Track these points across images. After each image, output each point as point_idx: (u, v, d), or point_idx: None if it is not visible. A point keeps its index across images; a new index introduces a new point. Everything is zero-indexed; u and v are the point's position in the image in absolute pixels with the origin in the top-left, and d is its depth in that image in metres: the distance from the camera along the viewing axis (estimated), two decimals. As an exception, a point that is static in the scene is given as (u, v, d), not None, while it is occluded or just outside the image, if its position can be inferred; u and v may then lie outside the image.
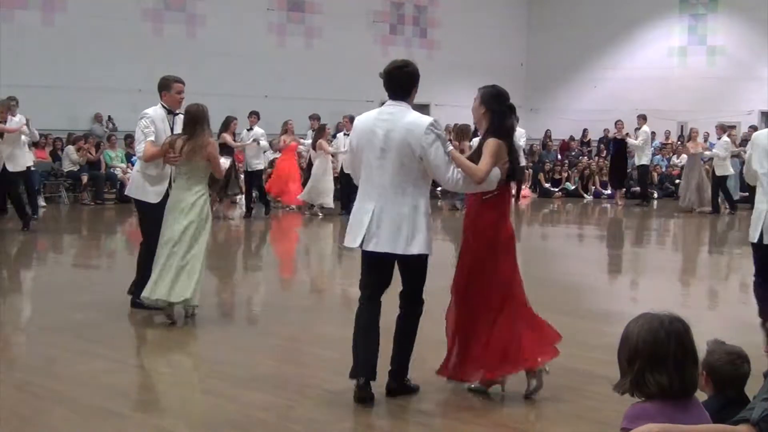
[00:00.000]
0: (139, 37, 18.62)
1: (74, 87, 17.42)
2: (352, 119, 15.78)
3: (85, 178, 16.88)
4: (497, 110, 4.91)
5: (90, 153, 17.06)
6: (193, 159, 6.57)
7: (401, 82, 4.79)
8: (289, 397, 4.93)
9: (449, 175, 4.67)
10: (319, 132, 15.63)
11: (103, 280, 9.34)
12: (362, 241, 4.68)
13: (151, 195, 6.96)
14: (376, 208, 4.68)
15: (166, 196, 6.89)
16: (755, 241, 5.82)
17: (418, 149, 4.61)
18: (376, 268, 4.79)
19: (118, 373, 5.37)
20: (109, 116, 18.72)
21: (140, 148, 6.90)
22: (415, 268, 4.78)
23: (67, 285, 9.04)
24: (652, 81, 23.51)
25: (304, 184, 15.80)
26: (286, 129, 16.07)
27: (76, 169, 16.90)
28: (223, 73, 18.89)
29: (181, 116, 7.05)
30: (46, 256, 10.88)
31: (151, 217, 7.00)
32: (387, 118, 4.72)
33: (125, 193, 7.50)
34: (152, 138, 6.81)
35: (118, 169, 17.37)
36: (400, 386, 4.87)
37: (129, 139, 18.13)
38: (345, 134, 15.94)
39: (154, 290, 6.52)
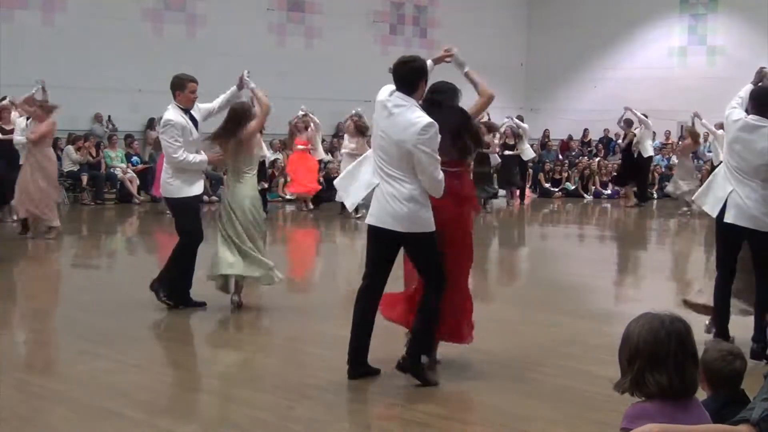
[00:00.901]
0: (139, 37, 18.62)
1: (74, 87, 17.40)
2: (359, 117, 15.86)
3: (85, 178, 16.88)
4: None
5: (90, 153, 17.06)
6: (239, 155, 7.02)
7: (406, 77, 4.94)
8: (289, 397, 4.93)
9: (435, 175, 4.85)
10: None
11: (104, 280, 9.35)
12: (363, 214, 4.96)
13: (195, 188, 7.12)
14: (379, 188, 4.92)
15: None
16: (714, 215, 5.87)
17: (409, 146, 4.78)
18: (379, 245, 5.09)
19: (118, 373, 5.37)
20: (108, 116, 18.72)
21: (180, 156, 6.93)
22: (423, 247, 5.00)
23: (67, 285, 9.05)
24: (652, 81, 23.51)
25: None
26: (296, 126, 16.15)
27: (76, 169, 16.90)
28: (223, 73, 18.72)
29: (192, 115, 7.15)
30: (46, 256, 10.88)
31: (193, 210, 7.23)
32: (393, 112, 4.87)
33: (165, 196, 7.35)
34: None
35: (118, 169, 17.37)
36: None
37: (129, 139, 18.16)
38: None
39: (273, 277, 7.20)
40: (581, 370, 5.48)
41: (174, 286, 7.15)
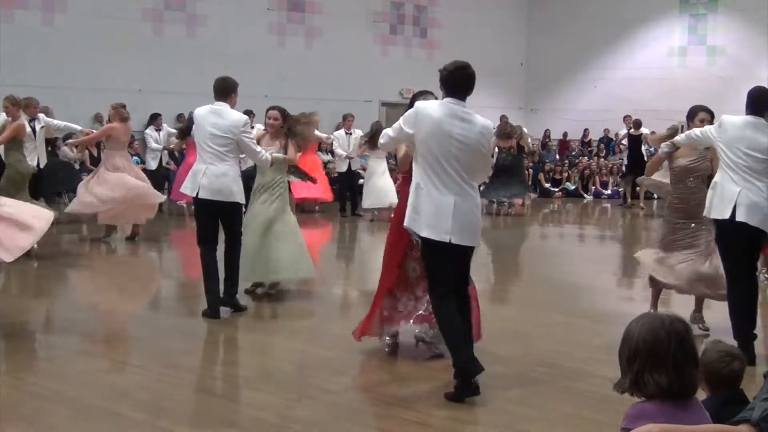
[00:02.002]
0: (139, 37, 18.62)
1: (74, 87, 17.41)
2: (353, 118, 15.84)
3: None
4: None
5: (91, 153, 17.04)
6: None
7: (466, 82, 4.95)
8: (289, 397, 4.94)
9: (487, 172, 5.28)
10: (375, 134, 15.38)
11: (104, 280, 9.34)
12: (449, 236, 4.82)
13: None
14: (456, 204, 4.84)
15: None
16: (726, 217, 5.69)
17: (486, 150, 5.02)
18: (453, 262, 4.92)
19: (118, 373, 5.37)
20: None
21: (264, 154, 7.08)
22: (470, 256, 5.09)
23: (67, 285, 9.05)
24: (652, 81, 23.50)
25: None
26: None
27: (76, 170, 16.87)
28: (223, 73, 18.72)
29: None
30: (46, 256, 10.87)
31: (240, 216, 7.24)
32: (464, 118, 4.89)
33: (226, 200, 6.88)
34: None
35: (118, 169, 17.33)
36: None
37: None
38: (347, 133, 15.92)
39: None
40: (581, 370, 5.48)
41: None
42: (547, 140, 23.75)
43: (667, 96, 23.04)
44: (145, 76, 18.27)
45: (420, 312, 5.69)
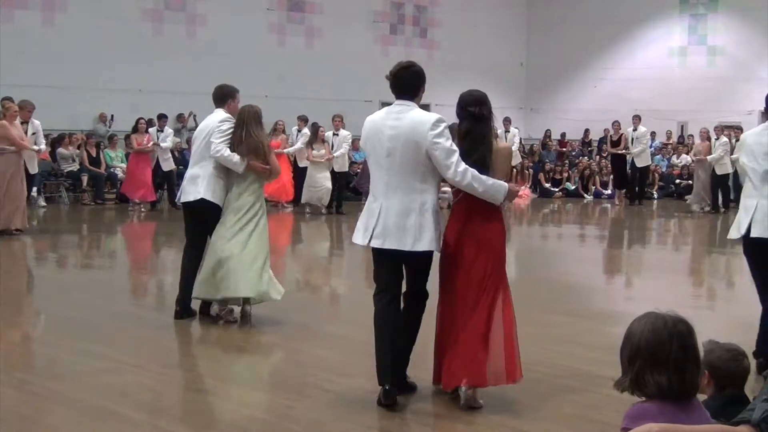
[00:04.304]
0: (139, 37, 18.63)
1: (74, 87, 17.43)
2: (341, 119, 15.95)
3: (85, 179, 16.87)
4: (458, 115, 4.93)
5: (89, 152, 17.04)
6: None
7: (408, 81, 4.85)
8: (289, 397, 4.93)
9: (458, 169, 4.61)
10: (314, 134, 15.70)
11: (104, 280, 9.34)
12: (369, 239, 4.73)
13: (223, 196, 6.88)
14: (382, 207, 4.73)
15: None
16: (742, 233, 5.38)
17: (425, 145, 4.63)
18: (386, 264, 4.82)
19: (118, 373, 5.36)
20: (111, 116, 18.71)
21: (223, 151, 6.64)
22: (421, 265, 4.83)
23: (67, 285, 9.04)
24: (652, 81, 23.53)
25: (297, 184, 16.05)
26: (275, 128, 16.03)
27: (76, 169, 16.88)
28: (223, 73, 18.75)
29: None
30: (46, 255, 10.87)
31: (217, 219, 6.84)
32: (395, 117, 4.77)
33: (205, 198, 6.75)
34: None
35: (118, 169, 17.37)
36: (400, 384, 4.86)
37: (129, 139, 18.16)
38: (334, 134, 15.84)
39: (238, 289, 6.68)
40: (581, 370, 5.48)
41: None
42: (548, 140, 23.77)
43: (667, 96, 23.08)
44: (145, 76, 18.28)
45: None
